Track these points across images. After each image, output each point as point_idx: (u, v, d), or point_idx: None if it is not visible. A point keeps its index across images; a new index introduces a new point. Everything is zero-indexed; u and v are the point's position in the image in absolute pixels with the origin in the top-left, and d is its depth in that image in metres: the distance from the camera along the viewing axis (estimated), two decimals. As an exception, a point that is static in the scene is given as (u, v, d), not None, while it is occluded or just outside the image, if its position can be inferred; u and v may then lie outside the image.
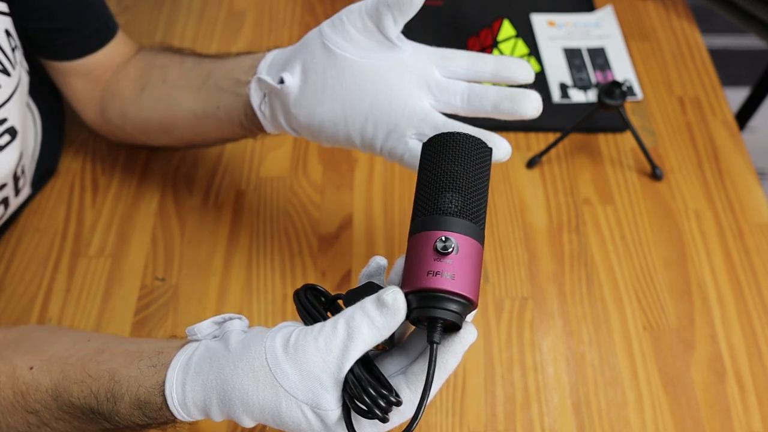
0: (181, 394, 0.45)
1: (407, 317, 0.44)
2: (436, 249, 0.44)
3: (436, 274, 0.43)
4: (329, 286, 0.72)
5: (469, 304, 0.44)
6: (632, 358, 0.68)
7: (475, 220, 0.45)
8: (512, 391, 0.66)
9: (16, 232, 0.77)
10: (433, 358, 0.43)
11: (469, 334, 0.45)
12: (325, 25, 0.56)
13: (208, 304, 0.71)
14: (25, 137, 0.72)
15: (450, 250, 0.43)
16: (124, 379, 0.47)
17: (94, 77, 0.72)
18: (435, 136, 0.49)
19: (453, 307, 0.43)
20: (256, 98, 0.59)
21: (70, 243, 0.76)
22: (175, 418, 0.46)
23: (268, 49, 0.62)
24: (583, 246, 0.76)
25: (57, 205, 0.79)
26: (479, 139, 0.48)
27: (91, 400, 0.48)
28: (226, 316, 0.48)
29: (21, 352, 0.52)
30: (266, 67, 0.60)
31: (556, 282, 0.73)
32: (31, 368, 0.50)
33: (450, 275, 0.43)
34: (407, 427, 0.42)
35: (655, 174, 0.80)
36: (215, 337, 0.48)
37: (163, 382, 0.46)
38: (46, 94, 0.76)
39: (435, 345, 0.43)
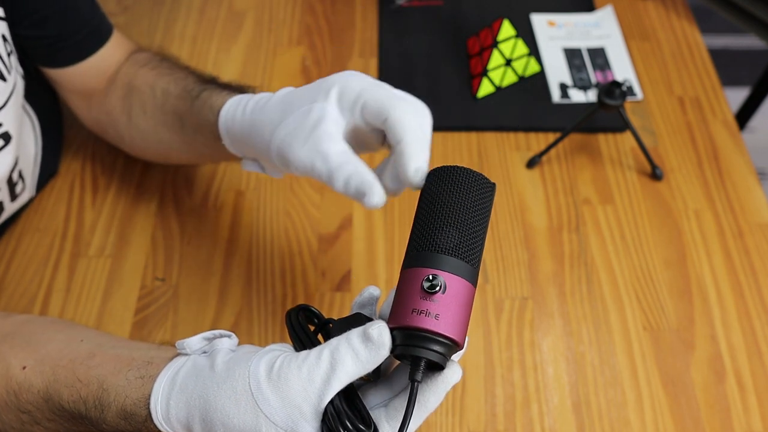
0: (165, 409, 0.46)
1: (392, 352, 0.44)
2: (422, 287, 0.43)
3: (420, 312, 0.43)
4: (329, 287, 0.72)
5: (453, 345, 0.44)
6: (632, 358, 0.68)
7: (469, 260, 0.45)
8: (512, 391, 0.66)
9: (16, 232, 0.77)
10: (414, 396, 0.43)
11: (453, 374, 0.45)
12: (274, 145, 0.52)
13: (208, 304, 0.71)
14: (23, 142, 0.72)
15: (437, 289, 0.43)
16: (112, 387, 0.48)
17: (90, 87, 0.72)
18: (438, 168, 0.47)
19: (436, 347, 0.43)
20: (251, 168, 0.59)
21: (70, 243, 0.76)
22: (160, 431, 0.47)
23: (219, 86, 0.61)
24: (583, 246, 0.76)
25: (57, 205, 0.79)
26: (482, 175, 0.47)
27: (80, 405, 0.48)
28: (217, 332, 0.49)
29: (15, 348, 0.52)
30: (237, 151, 0.58)
31: (556, 282, 0.73)
32: (24, 368, 0.51)
33: (434, 315, 0.42)
34: None
35: (655, 174, 0.80)
36: (204, 352, 0.48)
37: (149, 396, 0.46)
38: (43, 98, 0.76)
39: (416, 383, 0.43)
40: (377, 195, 0.47)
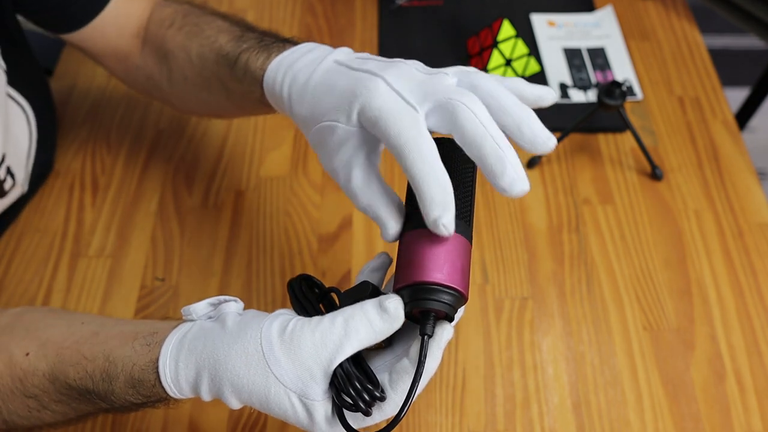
0: (174, 371, 0.45)
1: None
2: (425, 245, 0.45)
3: (424, 267, 0.44)
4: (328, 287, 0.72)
5: (459, 295, 0.45)
6: (632, 358, 0.68)
7: (459, 217, 0.46)
8: (512, 391, 0.66)
9: (16, 232, 0.77)
10: (424, 351, 0.44)
11: (443, 333, 0.45)
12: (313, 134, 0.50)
13: (208, 304, 0.71)
14: (13, 137, 0.70)
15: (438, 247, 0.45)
16: (118, 359, 0.47)
17: (113, 47, 0.69)
18: None
19: (444, 297, 0.44)
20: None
21: (70, 243, 0.76)
22: (168, 395, 0.46)
23: (250, 47, 0.57)
24: (583, 246, 0.76)
25: (57, 205, 0.79)
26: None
27: (87, 381, 0.48)
28: (221, 298, 0.49)
29: (16, 337, 0.52)
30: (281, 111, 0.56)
31: (556, 282, 0.73)
32: (27, 354, 0.51)
33: (437, 268, 0.44)
34: (394, 418, 0.43)
35: (655, 174, 0.80)
36: (210, 318, 0.48)
37: (157, 359, 0.46)
38: (37, 91, 0.75)
39: (426, 337, 0.44)
40: (390, 230, 0.46)
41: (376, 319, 0.44)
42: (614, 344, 0.69)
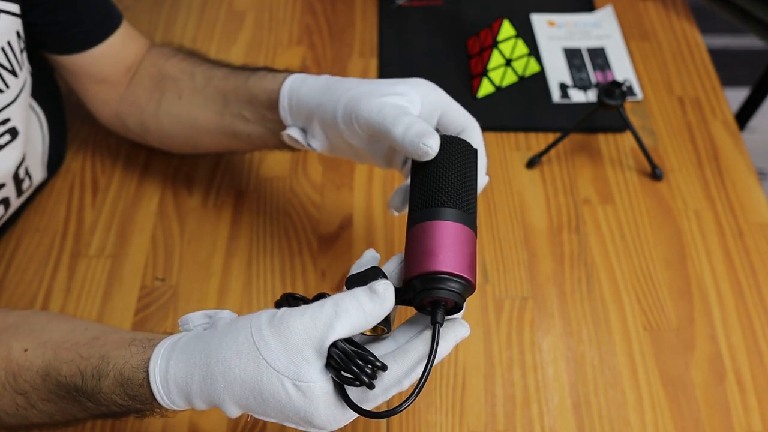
0: (165, 370, 0.46)
1: (412, 303, 0.47)
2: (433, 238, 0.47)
3: (434, 258, 0.46)
4: (329, 286, 0.72)
5: (466, 284, 0.46)
6: (632, 358, 0.68)
7: (465, 209, 0.49)
8: (512, 391, 0.66)
9: (16, 232, 0.77)
10: (436, 338, 0.45)
11: (461, 327, 0.48)
12: (340, 112, 0.57)
13: (208, 304, 0.71)
14: (31, 140, 0.72)
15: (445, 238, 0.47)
16: (112, 358, 0.48)
17: (104, 75, 0.72)
18: None
19: (453, 286, 0.46)
20: (297, 142, 0.62)
21: (70, 243, 0.76)
22: (154, 398, 0.46)
23: (275, 69, 0.65)
24: (583, 246, 0.76)
25: (57, 205, 0.79)
26: (464, 140, 0.52)
27: (77, 378, 0.49)
28: (217, 311, 0.50)
29: (19, 335, 0.53)
30: (289, 115, 0.61)
31: (556, 282, 0.73)
32: (26, 350, 0.51)
33: (446, 259, 0.46)
34: (409, 396, 0.43)
35: (655, 174, 0.80)
36: (206, 329, 0.49)
37: (149, 359, 0.47)
38: (49, 97, 0.76)
39: (438, 325, 0.45)
40: (435, 140, 0.50)
41: (366, 300, 0.44)
42: (614, 344, 0.69)
